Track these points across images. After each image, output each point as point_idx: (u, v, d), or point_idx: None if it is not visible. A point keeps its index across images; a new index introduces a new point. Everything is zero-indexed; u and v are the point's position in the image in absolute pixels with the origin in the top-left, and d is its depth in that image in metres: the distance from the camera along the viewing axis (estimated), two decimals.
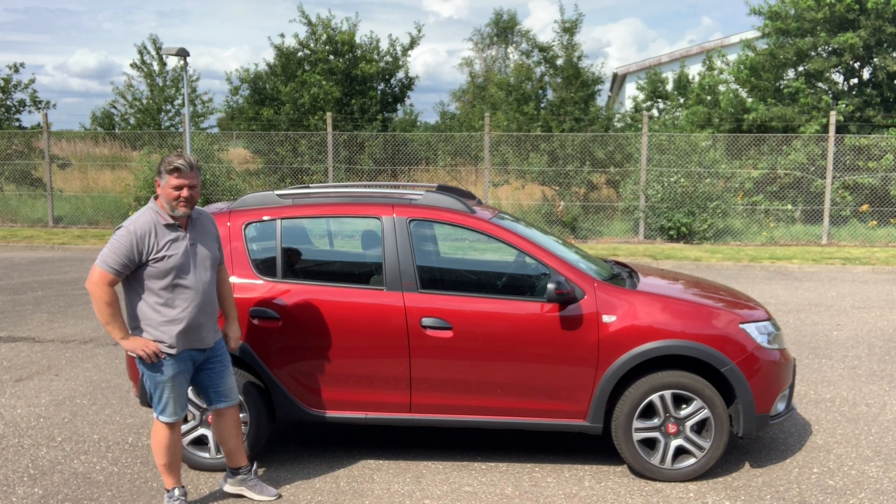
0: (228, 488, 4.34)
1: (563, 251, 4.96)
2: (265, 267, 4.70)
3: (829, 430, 5.41)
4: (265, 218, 4.78)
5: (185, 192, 3.83)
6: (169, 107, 24.26)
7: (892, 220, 15.35)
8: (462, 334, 4.49)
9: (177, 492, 4.10)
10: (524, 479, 4.61)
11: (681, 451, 4.55)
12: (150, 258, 3.79)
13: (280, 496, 4.31)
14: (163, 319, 3.85)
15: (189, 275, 3.89)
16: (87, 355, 7.26)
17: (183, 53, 14.86)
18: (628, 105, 20.47)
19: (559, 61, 17.18)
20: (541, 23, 72.80)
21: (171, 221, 3.88)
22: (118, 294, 3.87)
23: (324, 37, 18.28)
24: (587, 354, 4.46)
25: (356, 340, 4.55)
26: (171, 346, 3.87)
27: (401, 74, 19.48)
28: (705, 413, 4.47)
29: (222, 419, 4.22)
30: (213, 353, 4.10)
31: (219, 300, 4.22)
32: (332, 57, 18.30)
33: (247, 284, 4.63)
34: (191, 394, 4.61)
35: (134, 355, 3.90)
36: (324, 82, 17.67)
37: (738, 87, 17.23)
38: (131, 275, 3.84)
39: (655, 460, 4.53)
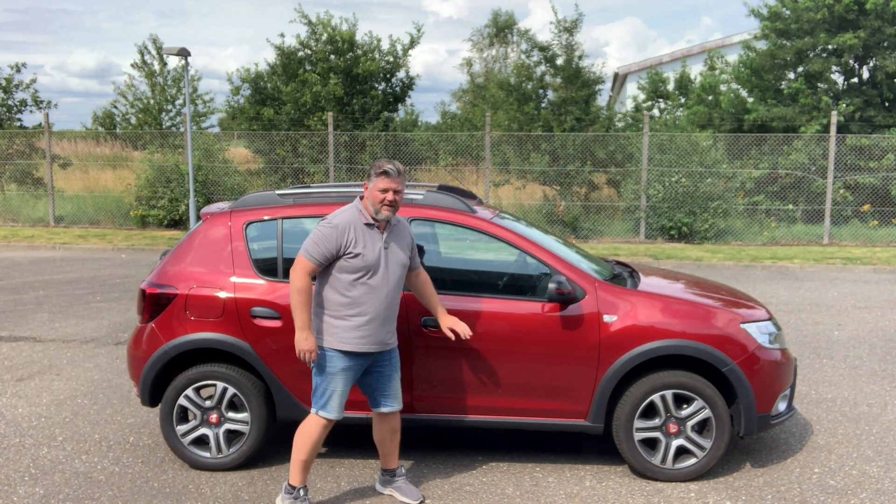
0: (379, 488, 4.42)
1: (563, 251, 4.96)
2: (266, 267, 4.70)
3: (831, 430, 5.41)
4: (266, 218, 4.78)
5: (389, 196, 3.98)
6: (170, 106, 24.28)
7: (893, 220, 15.34)
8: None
9: (302, 492, 4.14)
10: (525, 479, 4.61)
11: (682, 451, 4.55)
12: (345, 252, 3.95)
13: (424, 499, 4.32)
14: (345, 312, 3.99)
15: (378, 276, 4.00)
16: (88, 355, 7.26)
17: (184, 53, 14.85)
18: (629, 105, 20.45)
19: (559, 61, 17.15)
20: (541, 22, 72.86)
21: (372, 221, 4.02)
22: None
23: (324, 36, 18.27)
24: (588, 354, 4.46)
25: None
26: (344, 342, 3.97)
27: (401, 74, 19.48)
28: (706, 413, 4.47)
29: (385, 422, 4.26)
30: (384, 356, 4.16)
31: (425, 300, 4.37)
32: (332, 56, 18.29)
33: (248, 284, 4.64)
34: (192, 393, 4.63)
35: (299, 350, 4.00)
36: (331, 80, 17.63)
37: (738, 87, 17.22)
38: (326, 266, 3.99)
39: (656, 460, 4.53)
